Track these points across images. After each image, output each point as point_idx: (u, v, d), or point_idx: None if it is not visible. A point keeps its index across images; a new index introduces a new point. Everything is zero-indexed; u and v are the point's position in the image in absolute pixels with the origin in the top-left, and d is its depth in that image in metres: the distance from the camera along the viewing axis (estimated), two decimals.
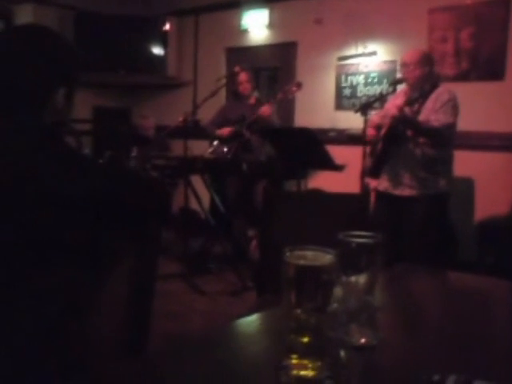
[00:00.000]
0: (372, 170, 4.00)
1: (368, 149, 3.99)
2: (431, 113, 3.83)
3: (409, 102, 3.84)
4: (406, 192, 3.97)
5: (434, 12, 5.33)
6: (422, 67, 3.93)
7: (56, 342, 1.36)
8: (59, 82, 1.48)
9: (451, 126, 3.85)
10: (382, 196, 4.08)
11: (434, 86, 3.95)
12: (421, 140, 3.87)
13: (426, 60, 3.99)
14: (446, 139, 3.88)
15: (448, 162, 4.00)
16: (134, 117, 7.67)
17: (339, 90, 6.05)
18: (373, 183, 4.13)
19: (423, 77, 3.93)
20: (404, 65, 4.00)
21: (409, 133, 3.86)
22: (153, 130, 6.52)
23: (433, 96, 3.89)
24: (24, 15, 6.71)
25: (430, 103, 3.87)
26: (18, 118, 1.40)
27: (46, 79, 1.46)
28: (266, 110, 5.07)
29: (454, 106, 3.85)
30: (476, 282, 1.93)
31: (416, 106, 3.89)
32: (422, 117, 3.83)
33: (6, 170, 1.30)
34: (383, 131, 3.96)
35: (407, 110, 3.83)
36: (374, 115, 4.07)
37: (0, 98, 1.42)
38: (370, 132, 4.00)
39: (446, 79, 4.98)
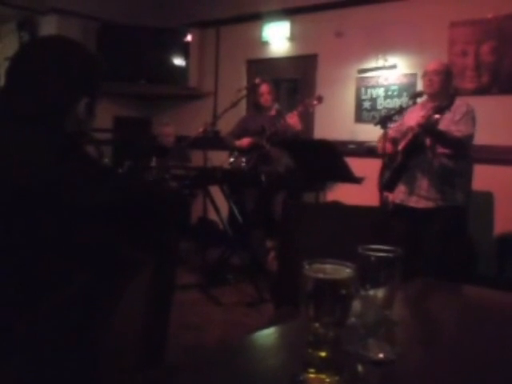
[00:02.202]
0: (389, 183, 3.99)
1: (382, 162, 3.97)
2: (451, 124, 3.83)
3: (437, 110, 3.82)
4: (421, 204, 3.96)
5: (455, 26, 5.32)
6: (443, 77, 3.95)
7: (74, 352, 1.37)
8: (82, 93, 1.50)
9: (472, 137, 3.87)
10: (398, 208, 4.08)
11: (453, 99, 3.96)
12: (439, 150, 3.87)
13: (447, 71, 4.01)
14: (467, 150, 3.89)
15: (466, 174, 4.00)
16: (154, 127, 7.72)
17: (359, 102, 6.05)
18: (391, 197, 4.12)
19: (443, 87, 3.95)
20: (425, 74, 4.03)
21: (427, 142, 3.85)
22: (172, 137, 6.53)
23: (451, 108, 3.90)
24: (48, 26, 6.81)
25: (448, 115, 3.87)
26: (41, 127, 1.41)
27: (69, 90, 1.48)
28: (292, 117, 5.07)
29: (472, 118, 3.89)
30: (495, 298, 1.91)
31: (435, 118, 3.89)
32: (441, 128, 3.83)
33: (28, 179, 1.31)
34: (403, 143, 3.95)
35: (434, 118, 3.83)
36: (390, 129, 4.07)
37: (23, 108, 1.43)
38: (388, 147, 3.99)
39: (466, 93, 4.97)
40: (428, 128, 3.76)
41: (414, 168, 3.96)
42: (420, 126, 3.77)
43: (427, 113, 3.79)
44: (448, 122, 3.84)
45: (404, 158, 3.95)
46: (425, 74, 4.05)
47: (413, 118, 3.93)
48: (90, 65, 1.54)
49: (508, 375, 1.17)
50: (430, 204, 3.94)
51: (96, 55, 1.63)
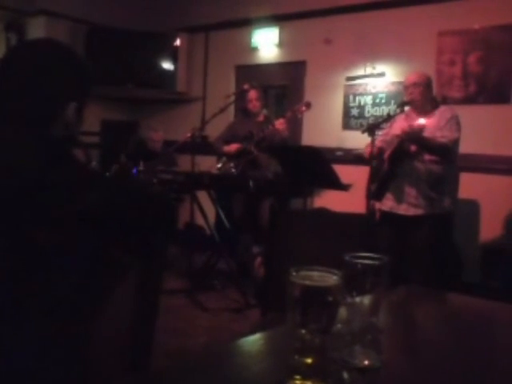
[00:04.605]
0: (377, 192, 4.01)
1: (370, 170, 3.99)
2: (436, 130, 3.87)
3: (422, 115, 3.87)
4: (410, 211, 3.98)
5: (443, 35, 5.37)
6: (423, 89, 4.01)
7: (60, 355, 1.36)
8: (71, 97, 1.49)
9: (457, 142, 3.91)
10: (386, 216, 4.09)
11: (436, 106, 4.03)
12: (426, 157, 3.90)
13: (426, 82, 4.06)
14: (453, 155, 3.93)
15: (453, 180, 4.04)
16: (142, 131, 7.69)
17: (347, 109, 6.07)
18: (377, 205, 4.14)
19: (424, 98, 4.00)
20: (405, 86, 4.11)
21: (412, 148, 3.88)
22: (161, 143, 6.52)
23: (435, 115, 3.95)
24: (36, 28, 6.76)
25: (433, 122, 3.91)
26: (29, 131, 1.41)
27: (57, 93, 1.47)
28: (281, 123, 5.07)
29: (457, 123, 3.94)
30: (480, 306, 1.92)
31: (421, 123, 3.92)
32: (426, 135, 3.86)
33: (15, 183, 1.31)
34: (389, 151, 3.98)
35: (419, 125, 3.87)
36: (377, 139, 4.09)
37: (12, 112, 1.43)
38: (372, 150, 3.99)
39: (454, 102, 5.01)
40: (413, 135, 3.79)
41: (402, 175, 3.99)
42: (405, 132, 3.81)
43: (412, 121, 3.84)
44: (433, 129, 3.88)
45: (390, 166, 3.97)
46: (405, 88, 4.12)
47: (398, 127, 3.96)
48: (79, 69, 1.54)
49: (493, 382, 1.18)
50: (419, 211, 3.96)
51: (84, 60, 1.63)
